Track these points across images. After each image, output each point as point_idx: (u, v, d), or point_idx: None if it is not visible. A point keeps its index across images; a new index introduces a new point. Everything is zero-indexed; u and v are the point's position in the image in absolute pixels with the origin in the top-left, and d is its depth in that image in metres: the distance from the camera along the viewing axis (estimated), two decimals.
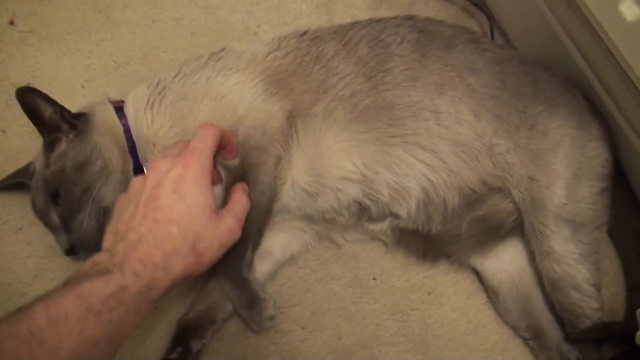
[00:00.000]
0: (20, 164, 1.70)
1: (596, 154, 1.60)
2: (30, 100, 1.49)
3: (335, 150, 1.53)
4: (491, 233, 1.64)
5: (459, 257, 1.70)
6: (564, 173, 1.55)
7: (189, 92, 1.56)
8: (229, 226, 1.27)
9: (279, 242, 1.69)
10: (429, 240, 1.66)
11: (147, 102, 1.57)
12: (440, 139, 1.54)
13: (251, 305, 1.45)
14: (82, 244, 1.48)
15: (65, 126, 1.53)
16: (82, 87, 1.90)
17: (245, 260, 1.45)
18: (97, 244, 1.40)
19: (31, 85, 1.52)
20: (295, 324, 1.67)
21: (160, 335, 1.63)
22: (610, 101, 1.62)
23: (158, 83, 1.60)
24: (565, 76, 1.69)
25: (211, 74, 1.57)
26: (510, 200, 1.60)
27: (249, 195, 1.41)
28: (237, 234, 1.25)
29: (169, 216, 1.20)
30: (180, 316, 1.57)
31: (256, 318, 1.47)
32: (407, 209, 1.58)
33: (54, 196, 1.48)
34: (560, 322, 1.61)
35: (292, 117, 1.53)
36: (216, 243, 1.20)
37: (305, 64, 1.59)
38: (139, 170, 1.56)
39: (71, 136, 1.53)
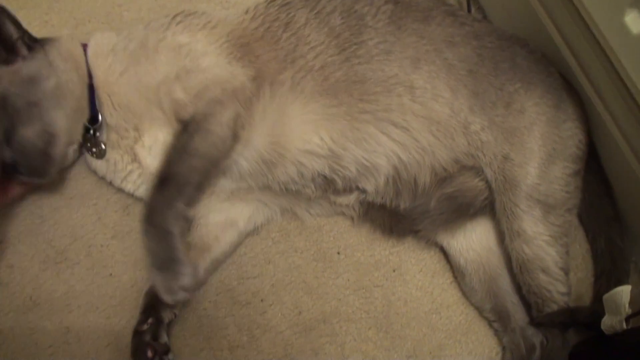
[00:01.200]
0: None
1: (571, 134, 1.56)
2: None
3: (301, 122, 1.47)
4: (460, 211, 1.60)
5: (427, 234, 1.66)
6: (538, 152, 1.52)
7: (149, 41, 1.50)
8: None
9: (242, 212, 1.64)
10: (396, 215, 1.62)
11: (112, 49, 1.51)
12: (414, 116, 1.49)
13: (166, 266, 1.30)
14: (23, 161, 1.37)
15: (23, 48, 1.45)
16: None
17: (174, 209, 1.34)
18: (38, 168, 1.36)
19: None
20: (254, 296, 1.63)
21: (114, 303, 1.59)
22: (585, 79, 1.58)
23: (126, 35, 1.54)
24: (542, 53, 1.64)
25: (176, 29, 1.52)
26: (481, 178, 1.57)
27: (196, 145, 1.38)
28: None
29: None
30: (148, 288, 1.50)
31: (169, 284, 1.30)
32: (374, 184, 1.54)
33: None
34: (526, 305, 1.59)
35: (256, 82, 1.47)
36: None
37: (273, 30, 1.53)
38: (94, 119, 1.51)
39: (26, 54, 1.45)
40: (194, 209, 1.43)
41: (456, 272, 1.69)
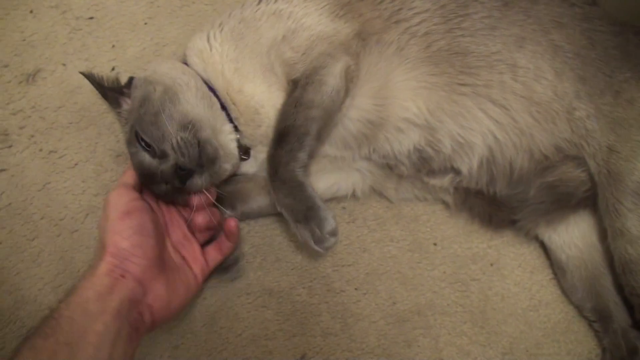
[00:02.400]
0: (78, 99, 1.69)
1: None
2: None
3: (403, 88, 1.46)
4: (561, 201, 1.54)
5: (526, 225, 1.61)
6: None
7: (246, 15, 1.51)
8: (104, 203, 1.33)
9: (340, 179, 1.63)
10: (495, 203, 1.58)
11: (207, 39, 1.52)
12: (514, 95, 1.45)
13: (309, 216, 1.31)
14: (185, 158, 1.33)
15: (123, 88, 1.52)
16: (145, 23, 1.84)
17: (299, 161, 1.36)
18: (201, 156, 1.35)
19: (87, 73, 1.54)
20: (348, 284, 1.61)
21: (210, 284, 1.59)
22: None
23: (215, 23, 1.55)
24: None
25: (270, 1, 1.53)
26: (584, 169, 1.51)
27: (310, 96, 1.38)
28: (112, 197, 1.30)
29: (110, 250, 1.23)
30: None
31: (316, 233, 1.30)
32: (468, 165, 1.51)
33: (140, 143, 1.39)
34: (629, 307, 1.52)
35: (362, 39, 1.47)
36: (104, 224, 1.28)
37: None
38: (225, 108, 1.51)
39: (127, 91, 1.52)
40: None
41: (556, 269, 1.64)
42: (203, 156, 1.34)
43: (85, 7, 1.82)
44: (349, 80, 1.42)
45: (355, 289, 1.60)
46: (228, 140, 1.47)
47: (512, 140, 1.46)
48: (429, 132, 1.46)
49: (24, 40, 1.78)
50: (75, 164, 1.67)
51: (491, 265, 1.65)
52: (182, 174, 1.32)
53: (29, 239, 1.59)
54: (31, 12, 1.82)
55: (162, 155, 1.34)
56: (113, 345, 1.09)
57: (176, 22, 1.84)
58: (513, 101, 1.44)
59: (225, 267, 1.49)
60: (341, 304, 1.59)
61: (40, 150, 1.67)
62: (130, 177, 1.34)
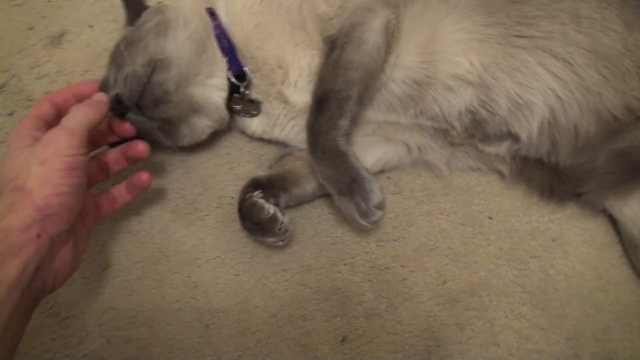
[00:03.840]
0: (104, 62, 1.56)
1: None
2: None
3: (453, 41, 1.32)
4: (634, 171, 1.38)
5: (593, 198, 1.46)
6: None
7: None
8: (44, 142, 1.07)
9: (384, 151, 1.51)
10: (557, 174, 1.44)
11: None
12: (578, 48, 1.29)
13: (354, 189, 1.23)
14: (126, 91, 1.25)
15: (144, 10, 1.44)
16: None
17: (341, 128, 1.25)
18: (143, 96, 1.25)
19: None
20: (394, 261, 1.48)
21: (244, 259, 1.49)
22: None
23: None
24: None
25: None
26: None
27: (350, 56, 1.27)
28: (59, 140, 1.07)
29: None
30: (252, 176, 1.45)
31: (362, 206, 1.23)
32: (528, 129, 1.36)
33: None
34: None
35: None
36: (34, 165, 1.04)
37: None
38: (240, 77, 1.42)
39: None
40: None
41: (627, 245, 1.47)
42: (145, 97, 1.23)
43: None
44: (390, 35, 1.30)
45: (402, 266, 1.47)
46: (209, 93, 1.38)
47: (577, 100, 1.30)
48: (482, 90, 1.32)
49: (50, 1, 1.71)
50: None
51: (553, 241, 1.50)
52: (118, 107, 1.25)
53: None
54: None
55: (114, 82, 1.28)
56: (7, 321, 0.94)
57: None
58: (577, 55, 1.28)
59: (284, 231, 1.36)
60: (386, 282, 1.45)
61: None
62: (91, 115, 1.15)
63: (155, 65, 1.26)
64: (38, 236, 1.00)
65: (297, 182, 1.44)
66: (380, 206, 1.24)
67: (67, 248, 1.11)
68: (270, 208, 1.34)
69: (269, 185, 1.40)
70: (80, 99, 1.21)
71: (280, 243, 1.38)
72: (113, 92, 1.25)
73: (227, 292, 1.44)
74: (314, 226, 1.49)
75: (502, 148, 1.42)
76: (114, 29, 1.66)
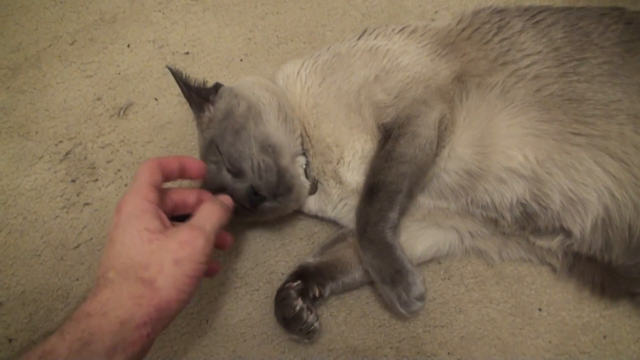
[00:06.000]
0: (167, 134, 1.65)
1: None
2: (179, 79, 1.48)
3: (507, 135, 1.33)
4: None
5: None
6: None
7: (342, 50, 1.47)
8: (181, 239, 1.05)
9: (434, 236, 1.51)
10: (609, 272, 1.41)
11: (301, 66, 1.49)
12: (636, 149, 1.29)
13: (396, 280, 1.25)
14: (262, 182, 1.31)
15: (210, 95, 1.49)
16: (241, 60, 1.81)
17: (389, 221, 1.28)
18: (278, 185, 1.32)
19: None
20: (441, 348, 1.46)
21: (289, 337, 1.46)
22: None
23: (314, 53, 1.53)
24: None
25: (369, 37, 1.49)
26: None
27: (403, 149, 1.29)
28: (197, 243, 1.06)
29: (104, 262, 1.05)
30: (302, 261, 1.47)
31: (403, 297, 1.26)
32: (581, 226, 1.34)
33: (219, 155, 1.36)
34: None
35: (461, 82, 1.37)
36: (167, 262, 1.02)
37: (483, 32, 1.43)
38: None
39: (213, 98, 1.48)
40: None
41: None
42: (281, 185, 1.30)
43: (182, 43, 1.80)
44: (444, 129, 1.33)
45: (449, 353, 1.45)
46: (301, 171, 1.43)
47: (632, 200, 1.28)
48: (535, 184, 1.32)
49: (119, 73, 1.78)
50: None
51: (604, 337, 1.46)
52: (255, 198, 1.29)
53: None
54: (128, 46, 1.81)
55: (238, 174, 1.31)
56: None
57: (272, 60, 1.80)
58: (634, 155, 1.28)
59: (305, 332, 1.37)
60: None
61: (126, 185, 1.64)
62: (223, 220, 1.18)
63: (273, 152, 1.33)
64: (148, 335, 1.01)
65: (346, 271, 1.45)
66: (421, 298, 1.26)
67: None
68: (297, 306, 1.35)
69: (316, 274, 1.43)
70: (184, 173, 1.23)
71: (305, 341, 1.40)
72: (246, 184, 1.30)
73: None
74: (362, 307, 1.49)
75: (554, 242, 1.41)
76: (178, 103, 1.71)
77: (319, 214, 1.53)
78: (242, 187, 1.29)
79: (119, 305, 0.98)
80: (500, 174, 1.33)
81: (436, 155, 1.32)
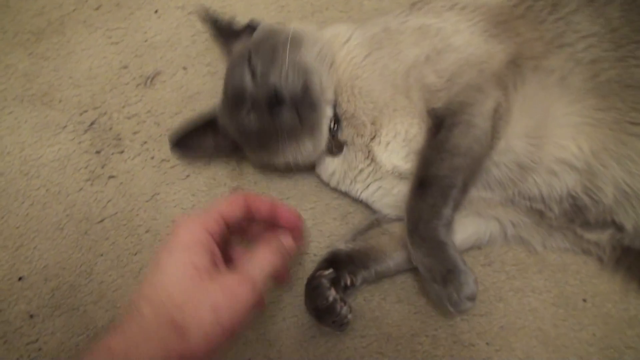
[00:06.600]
0: (196, 106, 1.60)
1: None
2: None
3: (562, 124, 1.26)
4: None
5: None
6: None
7: (391, 25, 1.40)
8: (225, 284, 0.96)
9: (475, 226, 1.44)
10: None
11: (350, 36, 1.43)
12: None
13: (447, 279, 1.18)
14: (287, 84, 1.29)
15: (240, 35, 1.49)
16: None
17: (443, 218, 1.20)
18: (303, 95, 1.29)
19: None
20: (479, 338, 1.39)
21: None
22: None
23: (367, 23, 1.46)
24: None
25: (419, 13, 1.41)
26: None
27: (457, 140, 1.21)
28: (240, 292, 0.96)
29: (144, 288, 0.96)
30: (333, 248, 1.40)
31: (453, 296, 1.18)
32: (634, 221, 1.27)
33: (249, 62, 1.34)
34: None
35: (517, 65, 1.29)
36: (205, 307, 0.92)
37: (536, 10, 1.34)
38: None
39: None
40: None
41: None
42: (306, 96, 1.27)
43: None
44: (499, 119, 1.25)
45: (487, 343, 1.38)
46: (325, 120, 1.39)
47: None
48: (588, 177, 1.25)
49: (146, 41, 1.72)
50: (187, 176, 1.57)
51: None
52: (274, 99, 1.26)
53: (132, 252, 1.50)
54: (156, 12, 1.75)
55: (264, 80, 1.28)
56: None
57: None
58: None
59: (339, 324, 1.32)
60: (469, 359, 1.37)
61: (152, 158, 1.58)
62: (276, 266, 1.08)
63: (305, 73, 1.30)
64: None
65: (380, 260, 1.39)
66: (471, 298, 1.19)
67: None
68: (330, 296, 1.28)
69: (348, 262, 1.36)
70: (274, 220, 1.16)
71: (337, 332, 1.35)
72: (269, 83, 1.28)
73: (300, 353, 1.38)
74: (398, 292, 1.42)
75: (604, 236, 1.35)
76: (208, 72, 1.65)
77: (341, 188, 1.49)
78: (264, 89, 1.27)
79: (145, 349, 0.89)
80: (552, 166, 1.26)
81: (491, 147, 1.25)
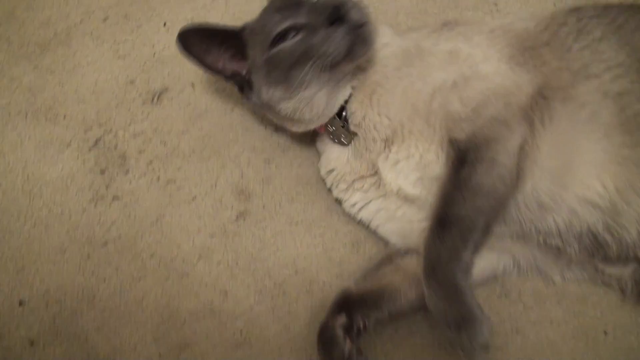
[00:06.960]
0: (204, 124, 1.56)
1: None
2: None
3: (587, 161, 1.20)
4: None
5: None
6: None
7: (425, 45, 1.35)
8: None
9: (488, 260, 1.38)
10: None
11: (390, 39, 1.39)
12: None
13: (462, 325, 1.13)
14: (351, 8, 1.25)
15: None
16: None
17: (462, 262, 1.16)
18: (362, 24, 1.25)
19: None
20: None
21: None
22: None
23: (403, 35, 1.42)
24: None
25: (449, 35, 1.35)
26: None
27: (480, 178, 1.17)
28: None
29: None
30: (344, 288, 1.34)
31: (466, 344, 1.13)
32: None
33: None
34: None
35: (544, 97, 1.24)
36: None
37: (562, 36, 1.30)
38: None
39: None
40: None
41: None
42: (364, 28, 1.24)
43: (222, 22, 1.67)
44: (525, 157, 1.21)
45: None
46: (346, 92, 1.35)
47: None
48: (611, 215, 1.20)
49: (154, 55, 1.68)
50: (194, 198, 1.53)
51: None
52: (337, 13, 1.23)
53: (136, 278, 1.47)
54: (165, 24, 1.71)
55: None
56: None
57: None
58: None
59: None
60: None
61: (158, 179, 1.54)
62: None
63: None
64: None
65: (393, 299, 1.34)
66: (485, 347, 1.14)
67: None
68: (346, 349, 1.24)
69: (360, 303, 1.31)
70: None
71: None
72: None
73: None
74: (409, 325, 1.38)
75: (626, 270, 1.30)
76: (216, 90, 1.61)
77: (334, 189, 1.45)
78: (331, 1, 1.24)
79: None
80: (575, 206, 1.22)
81: (515, 187, 1.20)
